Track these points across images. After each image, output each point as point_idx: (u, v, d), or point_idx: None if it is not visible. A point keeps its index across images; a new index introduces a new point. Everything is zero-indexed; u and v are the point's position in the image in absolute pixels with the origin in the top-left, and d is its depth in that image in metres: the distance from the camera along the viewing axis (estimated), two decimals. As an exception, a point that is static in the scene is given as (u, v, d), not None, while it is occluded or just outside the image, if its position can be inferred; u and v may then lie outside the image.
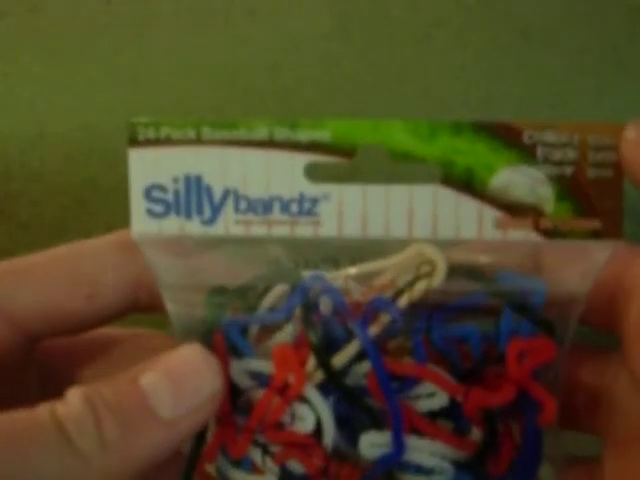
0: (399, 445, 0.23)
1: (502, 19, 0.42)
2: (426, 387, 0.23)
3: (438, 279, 0.23)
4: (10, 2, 0.43)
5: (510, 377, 0.23)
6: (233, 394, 0.24)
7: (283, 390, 0.23)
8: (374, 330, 0.23)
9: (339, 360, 0.23)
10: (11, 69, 0.43)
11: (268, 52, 0.42)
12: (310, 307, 0.24)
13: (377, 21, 0.42)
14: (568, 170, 0.23)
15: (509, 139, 0.23)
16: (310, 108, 0.43)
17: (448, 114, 0.42)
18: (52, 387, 0.24)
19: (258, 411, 0.23)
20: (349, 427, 0.23)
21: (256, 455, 0.24)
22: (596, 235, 0.23)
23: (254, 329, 0.24)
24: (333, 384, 0.23)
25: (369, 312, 0.23)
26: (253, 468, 0.24)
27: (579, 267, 0.23)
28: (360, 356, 0.23)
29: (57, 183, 0.43)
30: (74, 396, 0.21)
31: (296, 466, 0.24)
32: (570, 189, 0.23)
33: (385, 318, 0.23)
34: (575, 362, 0.25)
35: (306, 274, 0.24)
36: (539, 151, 0.23)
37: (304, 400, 0.23)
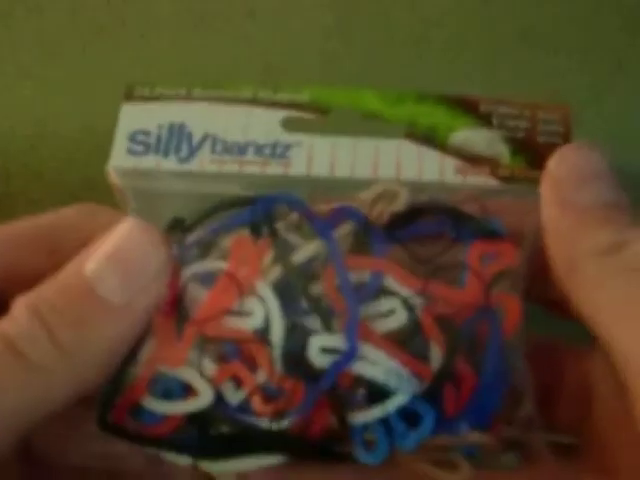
0: (352, 345, 0.21)
1: (502, 19, 0.42)
2: (384, 304, 0.22)
3: (401, 202, 0.24)
4: (10, 2, 0.43)
5: (473, 275, 0.22)
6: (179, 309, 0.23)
7: (234, 282, 0.22)
8: (341, 231, 0.23)
9: (298, 257, 0.23)
10: (11, 69, 0.43)
11: (268, 52, 0.42)
12: (272, 215, 0.23)
13: (377, 21, 0.42)
14: (520, 134, 0.25)
15: (467, 108, 0.26)
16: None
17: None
18: None
19: (207, 303, 0.22)
20: (298, 334, 0.22)
21: (190, 372, 0.22)
22: None
23: (198, 246, 0.24)
24: (292, 281, 0.22)
25: (333, 218, 0.24)
26: (186, 391, 0.23)
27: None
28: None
29: (57, 183, 0.43)
30: (19, 309, 0.20)
31: (233, 393, 0.22)
32: (523, 148, 0.25)
33: (349, 226, 0.23)
34: (560, 362, 0.25)
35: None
36: (494, 119, 0.26)
37: (254, 294, 0.22)
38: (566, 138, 0.25)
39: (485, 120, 0.25)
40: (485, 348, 0.22)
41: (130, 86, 0.26)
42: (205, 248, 0.24)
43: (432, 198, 0.24)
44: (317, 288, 0.23)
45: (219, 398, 0.22)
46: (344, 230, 0.23)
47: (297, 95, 0.26)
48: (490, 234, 0.23)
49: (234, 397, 0.22)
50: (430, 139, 0.25)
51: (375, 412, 0.22)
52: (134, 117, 0.26)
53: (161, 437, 0.22)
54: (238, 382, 0.22)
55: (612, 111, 0.41)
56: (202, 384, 0.22)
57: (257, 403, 0.22)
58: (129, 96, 0.26)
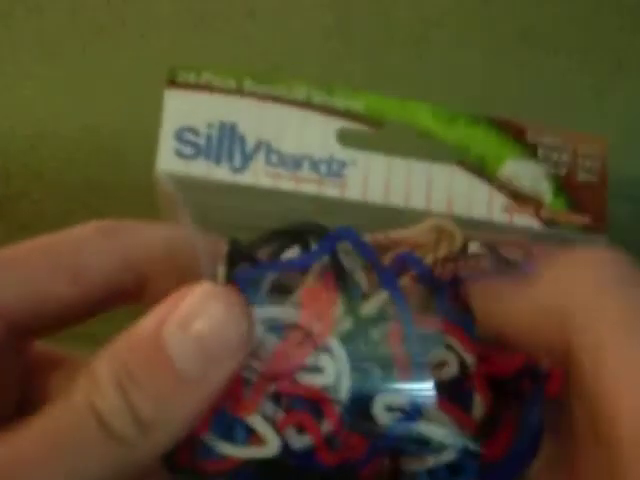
0: (416, 409, 0.22)
1: (502, 19, 0.42)
2: (437, 355, 0.23)
3: (458, 244, 0.24)
4: (10, 2, 0.43)
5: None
6: None
7: (307, 336, 0.22)
8: (404, 281, 0.23)
9: (368, 308, 0.23)
10: (11, 69, 0.43)
11: (268, 52, 0.42)
12: (338, 256, 0.23)
13: (377, 21, 0.42)
14: (563, 170, 0.25)
15: (515, 135, 0.25)
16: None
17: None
18: (30, 391, 0.24)
19: (278, 358, 0.22)
20: (363, 388, 0.23)
21: (258, 420, 0.22)
22: (585, 229, 0.25)
23: (266, 285, 0.24)
24: (360, 333, 0.23)
25: (397, 265, 0.24)
26: (250, 438, 0.23)
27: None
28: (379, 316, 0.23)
29: (57, 183, 0.43)
30: (105, 379, 0.20)
31: (298, 439, 0.23)
32: (564, 187, 0.25)
33: (413, 273, 0.24)
34: None
35: (333, 227, 0.24)
36: (539, 151, 0.25)
37: (326, 350, 0.22)
38: (602, 176, 0.25)
39: (532, 150, 0.25)
40: (526, 406, 0.23)
41: (173, 70, 0.24)
42: (271, 286, 0.24)
43: (489, 247, 0.24)
44: (382, 342, 0.23)
45: (284, 444, 0.23)
46: (407, 280, 0.24)
47: (352, 102, 0.25)
48: None
49: (297, 443, 0.23)
50: (480, 169, 0.25)
51: (428, 462, 0.23)
52: (180, 109, 0.24)
53: (223, 472, 0.23)
54: (301, 429, 0.23)
55: (613, 111, 0.41)
56: (271, 434, 0.22)
57: (322, 452, 0.22)
58: (172, 81, 0.24)
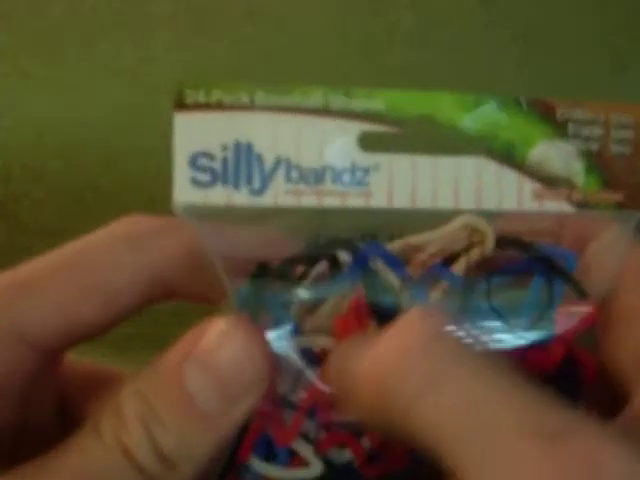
0: None
1: (502, 20, 0.42)
2: None
3: (489, 246, 0.24)
4: (10, 2, 0.43)
5: (559, 337, 0.23)
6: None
7: None
8: (434, 296, 0.23)
9: None
10: (11, 69, 0.43)
11: (268, 52, 0.42)
12: (370, 275, 0.23)
13: (377, 21, 0.42)
14: (595, 146, 0.24)
15: (544, 114, 0.25)
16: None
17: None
18: (69, 408, 0.24)
19: (316, 388, 0.22)
20: None
21: (299, 444, 0.23)
22: (619, 207, 0.24)
23: (296, 308, 0.23)
24: None
25: (428, 279, 0.23)
26: (292, 460, 0.23)
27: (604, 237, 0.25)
28: None
29: (57, 183, 0.43)
30: (132, 419, 0.21)
31: (339, 454, 0.23)
32: (597, 163, 0.24)
33: (444, 285, 0.23)
34: None
35: (362, 243, 0.24)
36: (570, 127, 0.24)
37: None
38: (637, 146, 0.24)
39: (562, 128, 0.24)
40: (565, 396, 0.24)
41: (180, 90, 0.23)
42: (300, 308, 0.23)
43: (519, 240, 0.24)
44: None
45: (326, 463, 0.23)
46: (438, 292, 0.23)
47: (372, 102, 0.24)
48: (577, 289, 0.24)
49: (339, 458, 0.23)
50: (509, 157, 0.24)
51: None
52: (192, 133, 0.23)
53: None
54: (342, 446, 0.23)
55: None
56: (313, 457, 0.23)
57: (364, 466, 0.23)
58: (181, 103, 0.23)
